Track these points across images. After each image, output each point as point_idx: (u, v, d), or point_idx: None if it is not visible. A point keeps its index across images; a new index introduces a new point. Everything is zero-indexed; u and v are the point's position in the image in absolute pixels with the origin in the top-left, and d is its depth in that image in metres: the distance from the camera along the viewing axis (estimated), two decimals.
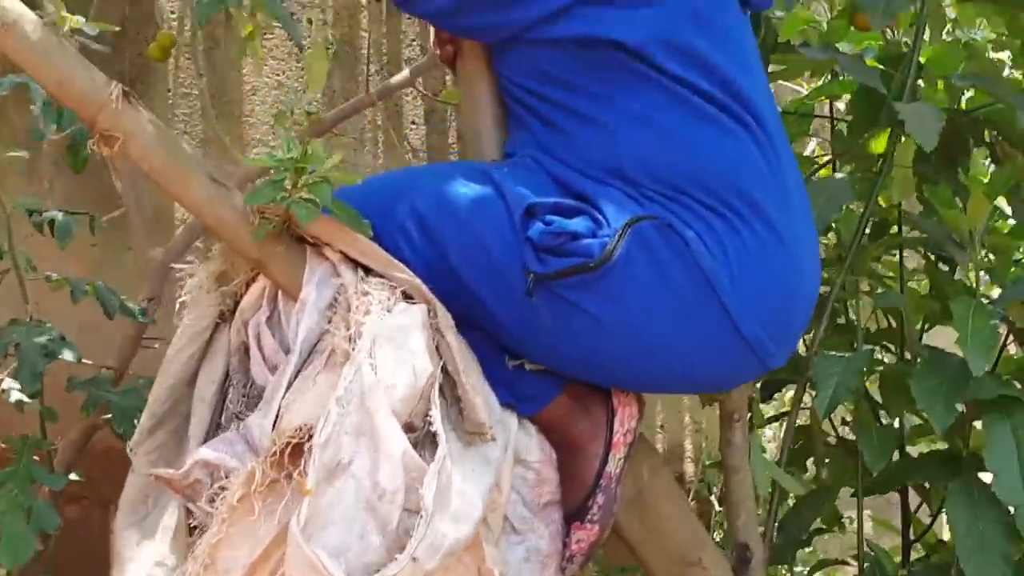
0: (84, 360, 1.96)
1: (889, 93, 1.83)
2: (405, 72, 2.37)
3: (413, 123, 3.15)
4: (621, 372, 1.44)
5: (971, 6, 2.05)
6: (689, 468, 3.44)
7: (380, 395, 1.26)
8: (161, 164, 1.34)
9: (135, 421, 1.89)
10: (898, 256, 2.02)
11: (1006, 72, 2.20)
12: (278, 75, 3.04)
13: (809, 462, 2.10)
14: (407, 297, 1.38)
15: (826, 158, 2.23)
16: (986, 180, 1.85)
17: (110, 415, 1.96)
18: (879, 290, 1.88)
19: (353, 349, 1.30)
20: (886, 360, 2.07)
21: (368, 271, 1.40)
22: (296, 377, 1.35)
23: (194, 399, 1.47)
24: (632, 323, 1.35)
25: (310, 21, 2.49)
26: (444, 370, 1.36)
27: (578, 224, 1.34)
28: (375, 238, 1.39)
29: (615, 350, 1.38)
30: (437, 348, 1.36)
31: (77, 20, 1.31)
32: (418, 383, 1.30)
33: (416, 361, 1.31)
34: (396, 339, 1.31)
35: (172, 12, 2.97)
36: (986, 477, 1.75)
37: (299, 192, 1.31)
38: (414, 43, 3.14)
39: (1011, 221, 1.94)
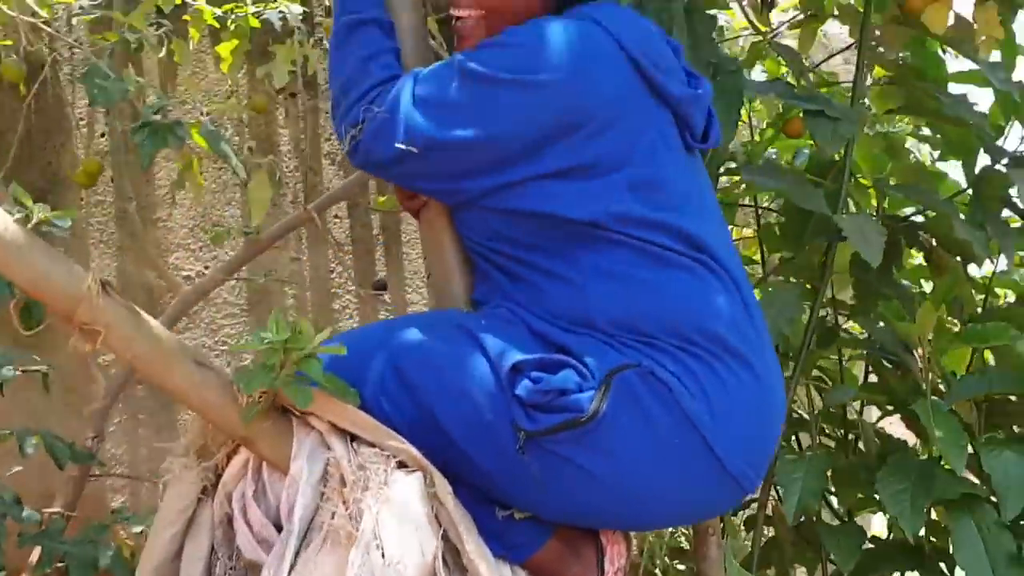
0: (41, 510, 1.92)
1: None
2: (342, 184, 2.36)
3: (336, 216, 3.14)
4: (612, 517, 1.46)
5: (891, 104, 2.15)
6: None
7: None
8: (144, 352, 1.31)
9: (92, 571, 1.85)
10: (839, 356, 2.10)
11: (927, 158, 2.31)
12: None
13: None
14: (401, 465, 1.37)
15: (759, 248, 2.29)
16: (926, 288, 1.94)
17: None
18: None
19: (356, 528, 1.29)
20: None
21: (356, 438, 1.39)
22: (296, 557, 1.33)
23: None
24: (623, 472, 1.36)
25: (251, 150, 2.45)
26: (444, 536, 1.36)
27: (565, 379, 1.35)
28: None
29: (607, 498, 1.39)
30: (436, 516, 1.36)
31: (44, 211, 1.27)
32: (426, 559, 1.30)
33: (421, 536, 1.31)
34: (398, 515, 1.30)
35: (82, 119, 2.91)
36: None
37: (287, 371, 1.30)
38: (333, 137, 3.13)
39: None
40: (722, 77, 1.68)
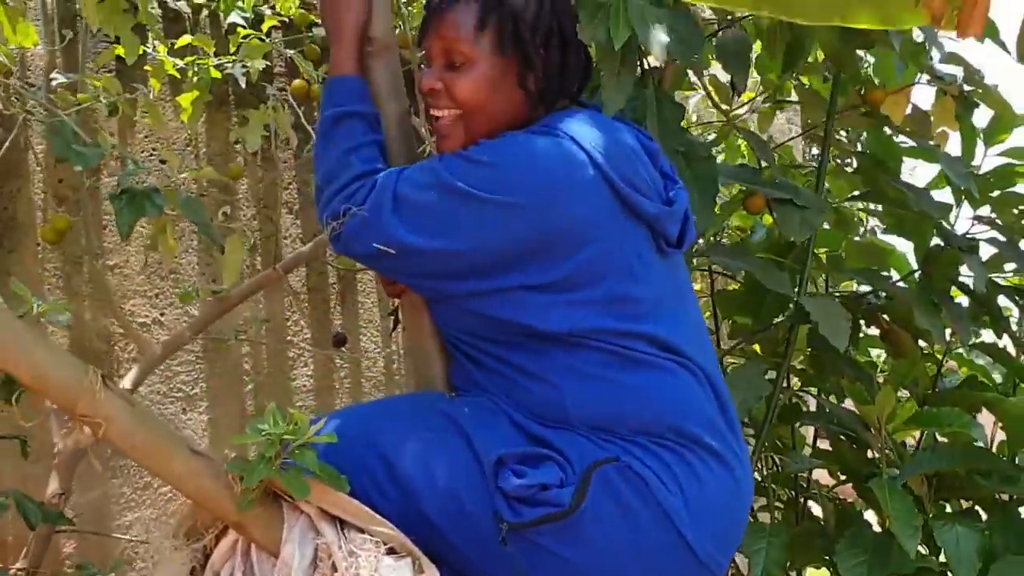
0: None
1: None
2: (310, 244, 2.38)
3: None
4: None
5: (844, 182, 2.25)
6: None
7: None
8: (142, 443, 1.33)
9: None
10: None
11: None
12: (151, 224, 2.98)
13: None
14: (390, 551, 1.40)
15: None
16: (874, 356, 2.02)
17: None
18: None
19: None
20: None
21: (345, 524, 1.42)
22: None
23: None
24: (601, 562, 1.40)
25: (225, 214, 2.46)
26: None
27: (547, 474, 1.39)
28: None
29: None
30: None
31: (41, 304, 1.28)
32: None
33: None
34: None
35: (38, 165, 2.88)
36: None
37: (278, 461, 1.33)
38: (291, 186, 3.15)
39: None
40: (696, 164, 1.73)
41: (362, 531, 1.41)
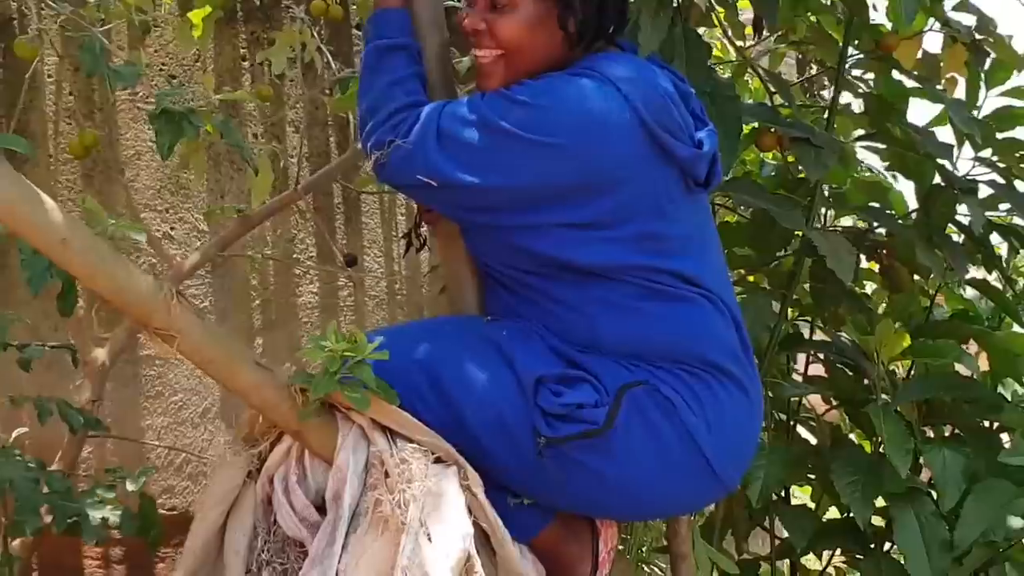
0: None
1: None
2: (331, 165, 2.44)
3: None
4: (614, 510, 1.64)
5: (847, 118, 2.34)
6: None
7: (441, 563, 1.39)
8: (212, 355, 1.42)
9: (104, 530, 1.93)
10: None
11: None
12: None
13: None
14: (437, 460, 1.51)
15: None
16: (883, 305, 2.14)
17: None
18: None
19: (403, 516, 1.43)
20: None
21: (394, 433, 1.53)
22: (346, 539, 1.46)
23: (226, 552, 1.57)
24: (628, 475, 1.52)
25: (256, 136, 2.50)
26: (475, 523, 1.50)
27: (583, 394, 1.50)
28: None
29: (612, 496, 1.56)
30: (468, 506, 1.50)
31: (123, 225, 1.35)
32: (465, 545, 1.44)
33: (460, 524, 1.45)
34: (440, 506, 1.45)
35: (49, 77, 2.90)
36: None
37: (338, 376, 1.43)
38: (297, 105, 3.19)
39: None
40: (721, 103, 1.81)
41: (410, 440, 1.51)
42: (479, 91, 1.59)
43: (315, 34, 2.43)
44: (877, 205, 2.37)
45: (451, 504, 1.46)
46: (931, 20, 2.14)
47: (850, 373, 2.20)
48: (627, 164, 1.49)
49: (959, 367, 2.18)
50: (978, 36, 2.08)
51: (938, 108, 2.28)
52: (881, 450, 2.02)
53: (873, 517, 2.08)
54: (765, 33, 2.34)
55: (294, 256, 3.23)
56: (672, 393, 1.52)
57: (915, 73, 2.15)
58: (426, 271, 3.49)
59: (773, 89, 2.05)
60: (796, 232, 2.20)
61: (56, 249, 1.31)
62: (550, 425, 1.48)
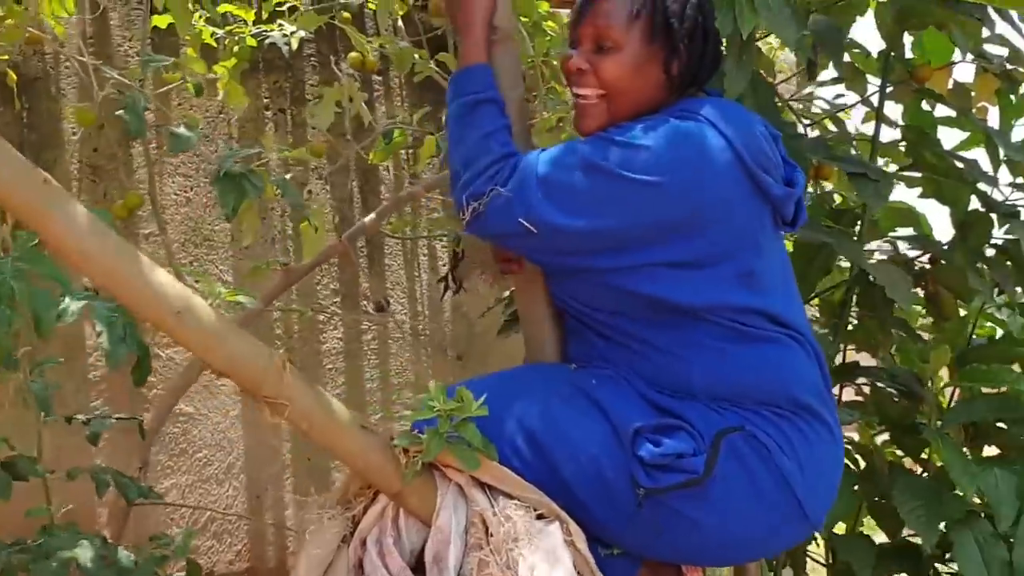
0: None
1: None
2: (371, 215, 2.45)
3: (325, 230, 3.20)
4: (705, 556, 1.64)
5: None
6: None
7: None
8: (320, 422, 1.43)
9: None
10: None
11: None
12: (186, 192, 3.03)
13: None
14: (539, 516, 1.51)
15: None
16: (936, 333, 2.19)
17: None
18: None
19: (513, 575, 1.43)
20: None
21: (492, 490, 1.53)
22: None
23: None
24: (726, 522, 1.53)
25: (309, 192, 2.50)
26: None
27: (682, 444, 1.50)
28: None
29: (708, 543, 1.56)
30: (573, 562, 1.51)
31: (232, 293, 1.36)
32: None
33: None
34: (549, 562, 1.45)
35: (74, 135, 2.89)
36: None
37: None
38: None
39: None
40: (788, 142, 1.82)
41: (510, 497, 1.51)
42: (577, 132, 1.61)
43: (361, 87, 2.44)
44: (912, 232, 2.42)
45: (559, 561, 1.46)
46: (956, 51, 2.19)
47: (898, 400, 2.24)
48: (728, 202, 1.52)
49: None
50: (1009, 66, 2.13)
51: (963, 135, 2.35)
52: (940, 474, 2.05)
53: None
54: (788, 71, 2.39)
55: (318, 302, 3.23)
56: (766, 437, 1.53)
57: (950, 103, 2.20)
58: (448, 313, 3.51)
59: (835, 129, 2.09)
60: (837, 262, 2.24)
61: (170, 322, 1.31)
62: (649, 475, 1.49)
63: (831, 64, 2.22)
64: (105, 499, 2.25)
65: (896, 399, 2.29)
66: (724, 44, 1.69)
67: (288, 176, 2.35)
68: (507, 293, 2.68)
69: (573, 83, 1.62)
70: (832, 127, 2.34)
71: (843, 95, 2.47)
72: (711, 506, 1.50)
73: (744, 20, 1.61)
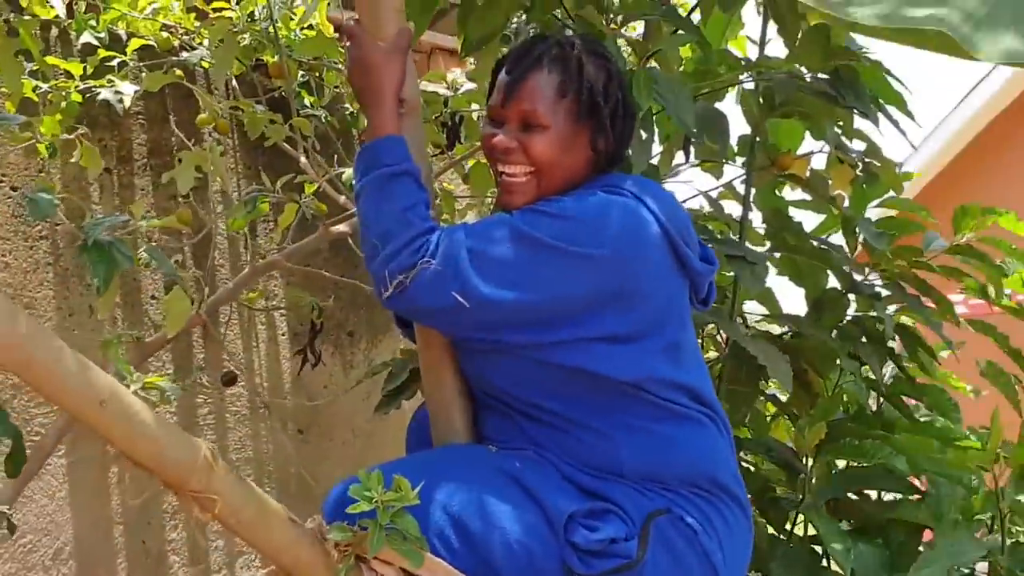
0: None
1: None
2: (229, 285, 2.33)
3: (153, 298, 3.01)
4: None
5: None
6: None
7: None
8: (248, 517, 1.32)
9: None
10: None
11: None
12: (3, 256, 2.78)
13: None
14: None
15: None
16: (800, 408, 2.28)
17: None
18: None
19: None
20: None
21: None
22: None
23: None
24: None
25: (178, 262, 2.32)
26: None
27: (614, 528, 1.49)
28: None
29: None
30: None
31: (141, 378, 1.24)
32: None
33: None
34: None
35: None
36: None
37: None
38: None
39: None
40: None
41: None
42: (503, 208, 1.59)
43: (224, 151, 2.32)
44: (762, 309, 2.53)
45: None
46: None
47: (755, 471, 2.30)
48: (659, 275, 1.54)
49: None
50: (866, 159, 2.28)
51: (817, 219, 2.49)
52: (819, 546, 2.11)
53: None
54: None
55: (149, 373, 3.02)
56: (691, 519, 1.54)
57: (808, 189, 2.32)
58: (288, 385, 3.36)
59: (712, 210, 2.16)
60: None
61: (92, 412, 1.18)
62: (583, 562, 1.47)
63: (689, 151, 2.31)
64: None
65: (753, 471, 2.36)
66: None
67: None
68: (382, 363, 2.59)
69: (500, 160, 1.61)
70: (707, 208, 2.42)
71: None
72: None
73: (642, 99, 1.65)
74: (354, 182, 1.60)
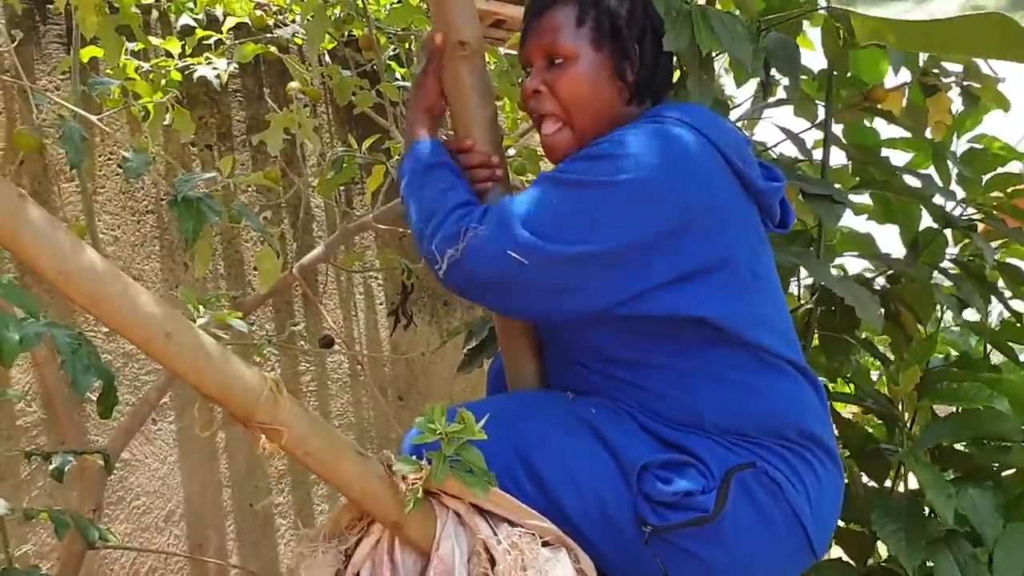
0: None
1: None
2: (320, 247, 2.37)
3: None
4: None
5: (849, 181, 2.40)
6: None
7: None
8: (315, 448, 1.34)
9: None
10: None
11: None
12: (113, 231, 2.90)
13: None
14: (545, 543, 1.44)
15: None
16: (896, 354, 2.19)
17: None
18: None
19: None
20: None
21: (492, 517, 1.45)
22: None
23: None
24: (736, 561, 1.46)
25: (266, 219, 2.40)
26: None
27: (691, 481, 1.43)
28: None
29: None
30: None
31: (220, 315, 1.27)
32: None
33: None
34: None
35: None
36: None
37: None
38: (249, 188, 3.10)
39: None
40: None
41: (513, 524, 1.43)
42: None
43: (319, 125, 2.38)
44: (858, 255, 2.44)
45: None
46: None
47: (857, 424, 2.23)
48: (720, 200, 1.44)
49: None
50: (966, 83, 2.16)
51: (906, 156, 2.39)
52: (919, 495, 2.03)
53: None
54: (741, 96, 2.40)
55: (253, 342, 3.11)
56: (777, 474, 1.47)
57: (905, 123, 2.22)
58: (387, 351, 3.41)
59: (796, 146, 2.08)
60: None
61: (158, 344, 1.22)
62: (657, 513, 1.42)
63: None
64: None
65: (855, 423, 2.28)
66: (677, 61, 1.66)
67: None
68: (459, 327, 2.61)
69: (533, 109, 1.58)
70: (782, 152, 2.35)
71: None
72: (721, 544, 1.44)
73: (703, 41, 1.60)
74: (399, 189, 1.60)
